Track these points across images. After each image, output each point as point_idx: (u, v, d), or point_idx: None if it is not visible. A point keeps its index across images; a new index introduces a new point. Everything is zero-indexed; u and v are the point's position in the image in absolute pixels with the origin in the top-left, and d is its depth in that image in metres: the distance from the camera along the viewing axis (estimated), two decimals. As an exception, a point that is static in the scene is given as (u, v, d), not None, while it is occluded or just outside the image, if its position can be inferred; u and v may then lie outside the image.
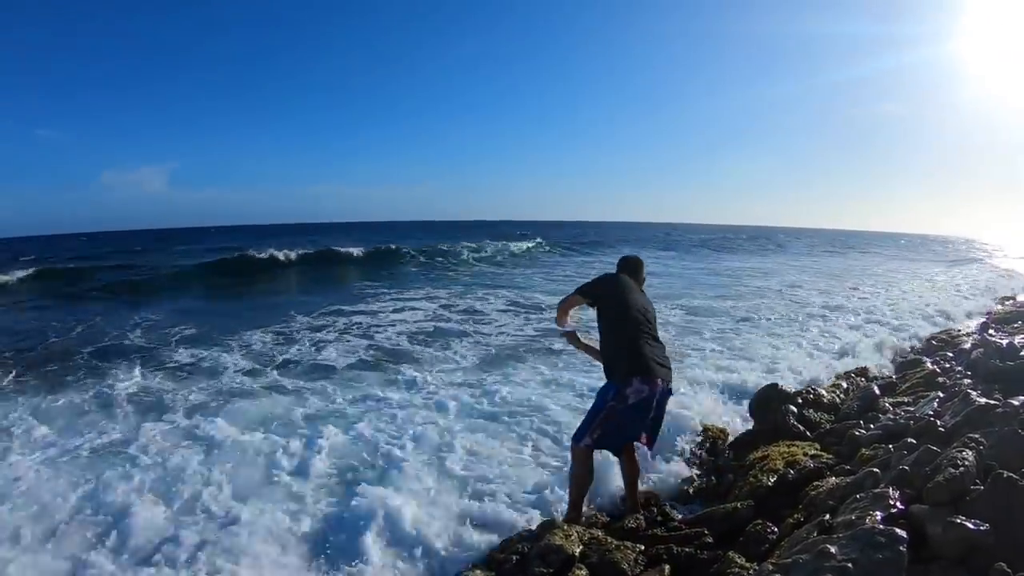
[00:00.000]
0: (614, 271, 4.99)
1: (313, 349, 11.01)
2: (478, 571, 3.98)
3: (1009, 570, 2.44)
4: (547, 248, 40.54)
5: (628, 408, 4.37)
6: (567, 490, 4.76)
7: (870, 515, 2.91)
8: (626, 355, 4.45)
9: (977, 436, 3.46)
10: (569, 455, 4.71)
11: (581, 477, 4.57)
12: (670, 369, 4.61)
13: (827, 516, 3.39)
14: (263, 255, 28.19)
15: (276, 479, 5.60)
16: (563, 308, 4.93)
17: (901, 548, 2.48)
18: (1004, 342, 7.87)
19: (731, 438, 6.33)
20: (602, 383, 4.63)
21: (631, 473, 4.83)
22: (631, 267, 5.03)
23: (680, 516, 4.78)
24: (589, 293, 4.76)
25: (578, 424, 4.64)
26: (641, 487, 5.02)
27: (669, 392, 4.62)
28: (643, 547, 4.08)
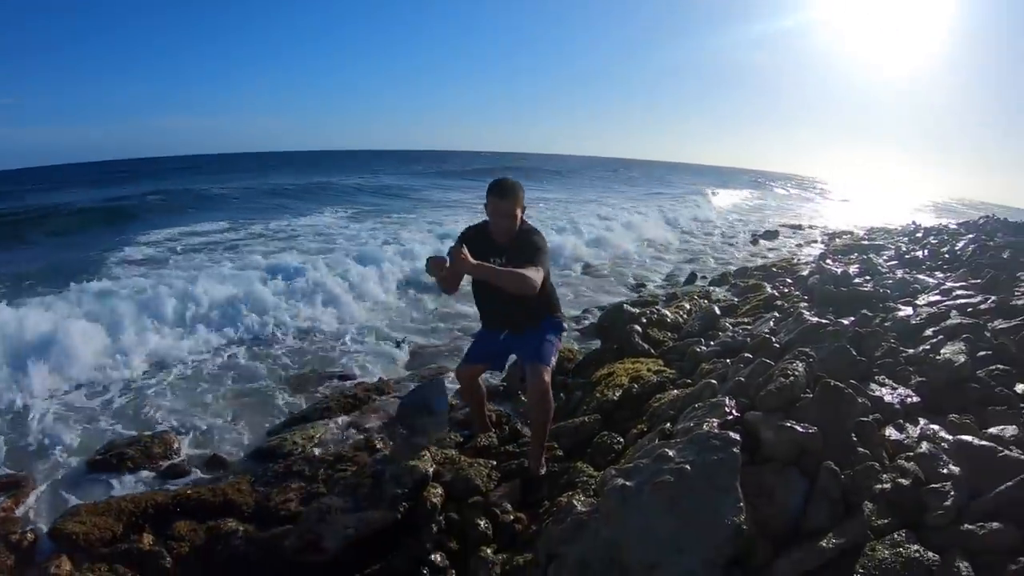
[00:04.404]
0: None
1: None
2: (335, 498, 3.96)
3: (836, 468, 2.67)
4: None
5: None
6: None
7: (707, 422, 3.08)
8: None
9: (807, 350, 3.72)
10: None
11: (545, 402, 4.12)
12: None
13: (668, 425, 3.60)
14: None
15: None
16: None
17: (735, 450, 2.66)
18: (839, 270, 8.49)
19: (579, 357, 6.55)
20: None
21: (479, 393, 4.88)
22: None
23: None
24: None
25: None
26: (489, 406, 5.12)
27: None
28: (495, 463, 4.27)
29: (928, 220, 24.83)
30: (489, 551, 3.44)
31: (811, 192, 59.44)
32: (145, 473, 4.83)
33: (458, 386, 5.07)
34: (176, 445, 5.22)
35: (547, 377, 3.98)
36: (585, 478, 3.74)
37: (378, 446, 4.86)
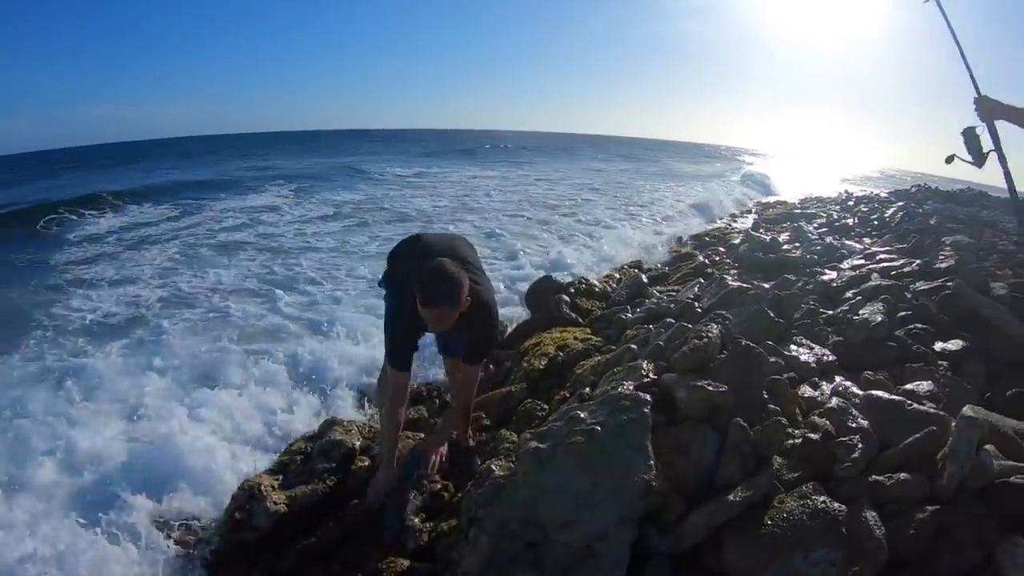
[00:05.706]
0: None
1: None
2: (264, 476, 3.98)
3: (745, 424, 2.75)
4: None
5: None
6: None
7: (623, 385, 3.14)
8: None
9: (724, 312, 3.82)
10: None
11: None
12: None
13: (588, 389, 3.67)
14: None
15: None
16: None
17: (645, 410, 2.73)
18: (768, 237, 8.65)
19: (510, 329, 6.62)
20: None
21: None
22: None
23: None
24: None
25: None
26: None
27: None
28: (423, 435, 4.31)
29: (863, 190, 25.40)
30: (417, 520, 3.50)
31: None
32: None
33: None
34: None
35: (479, 368, 4.07)
36: (508, 445, 3.79)
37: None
